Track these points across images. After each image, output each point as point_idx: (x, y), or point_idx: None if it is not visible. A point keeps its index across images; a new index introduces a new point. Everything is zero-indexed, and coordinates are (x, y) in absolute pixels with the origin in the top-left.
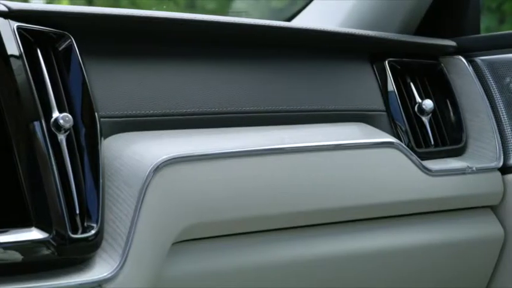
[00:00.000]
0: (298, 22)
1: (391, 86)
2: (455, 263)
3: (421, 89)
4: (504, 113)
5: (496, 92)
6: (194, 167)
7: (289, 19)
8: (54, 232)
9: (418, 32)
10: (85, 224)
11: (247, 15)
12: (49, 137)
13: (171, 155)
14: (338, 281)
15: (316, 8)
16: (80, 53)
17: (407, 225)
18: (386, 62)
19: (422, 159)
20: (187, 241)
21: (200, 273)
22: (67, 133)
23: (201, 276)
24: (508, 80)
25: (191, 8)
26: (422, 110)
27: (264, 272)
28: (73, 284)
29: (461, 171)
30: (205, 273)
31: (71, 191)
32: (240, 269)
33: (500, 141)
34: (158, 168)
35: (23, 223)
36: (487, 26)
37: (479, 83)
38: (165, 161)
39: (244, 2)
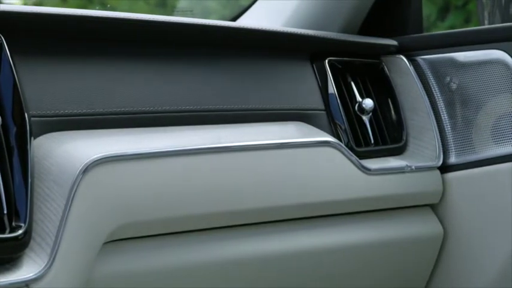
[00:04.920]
0: (242, 22)
1: (331, 85)
2: (395, 262)
3: (362, 88)
4: (444, 112)
5: (437, 91)
6: (125, 166)
7: (234, 19)
8: None
9: (361, 32)
10: (13, 223)
11: (192, 15)
12: None
13: (102, 154)
14: (274, 281)
15: (260, 7)
16: (10, 52)
17: (346, 224)
18: (327, 61)
19: (362, 158)
20: (119, 241)
21: (132, 273)
22: None
23: (133, 276)
24: (448, 79)
25: (162, 7)
26: (362, 109)
27: (196, 271)
28: None
29: (400, 170)
30: (137, 272)
31: None
32: (172, 268)
33: (440, 140)
34: (88, 167)
35: None
36: (452, 25)
37: (420, 82)
38: (96, 161)
39: (215, 2)
